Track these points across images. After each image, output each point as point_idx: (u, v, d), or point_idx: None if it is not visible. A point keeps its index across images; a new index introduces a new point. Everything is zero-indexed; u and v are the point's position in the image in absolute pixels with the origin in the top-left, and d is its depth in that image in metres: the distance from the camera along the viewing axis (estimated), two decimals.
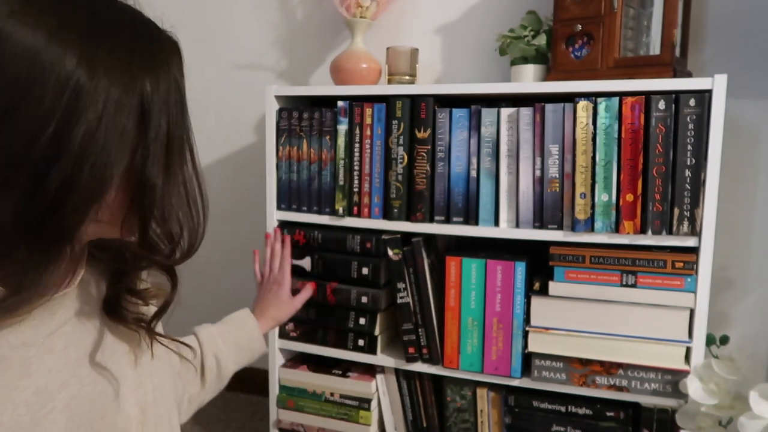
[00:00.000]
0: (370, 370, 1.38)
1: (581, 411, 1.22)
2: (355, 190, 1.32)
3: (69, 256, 0.54)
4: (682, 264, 1.10)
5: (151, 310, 0.71)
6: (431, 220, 1.27)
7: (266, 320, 1.13)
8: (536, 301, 1.20)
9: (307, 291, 1.28)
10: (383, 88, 1.30)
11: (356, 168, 1.31)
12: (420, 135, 1.25)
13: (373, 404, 1.36)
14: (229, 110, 1.78)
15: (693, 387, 1.07)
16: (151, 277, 0.73)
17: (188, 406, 0.95)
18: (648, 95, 1.09)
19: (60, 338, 0.59)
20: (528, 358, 1.22)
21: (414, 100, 1.25)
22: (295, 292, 1.23)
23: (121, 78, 0.51)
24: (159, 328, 0.77)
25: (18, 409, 0.54)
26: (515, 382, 1.24)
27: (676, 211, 1.10)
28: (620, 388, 1.16)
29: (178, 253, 0.60)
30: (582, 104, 1.13)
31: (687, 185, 1.09)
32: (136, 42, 0.54)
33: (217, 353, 0.99)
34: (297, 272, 1.38)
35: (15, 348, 0.55)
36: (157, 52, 0.56)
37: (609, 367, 1.17)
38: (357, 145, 1.30)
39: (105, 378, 0.63)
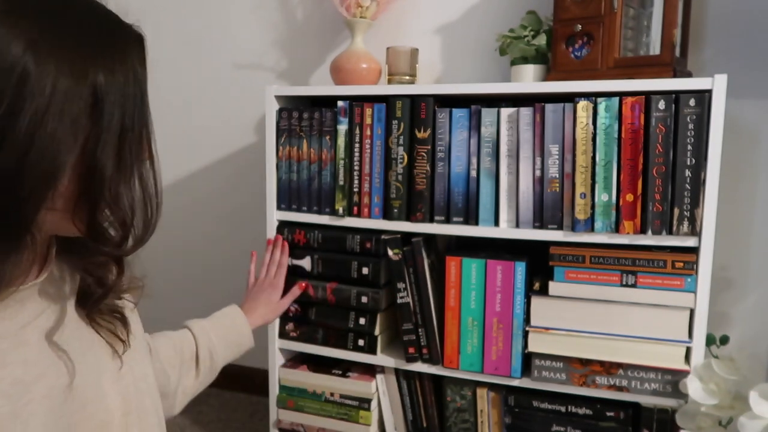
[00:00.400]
0: (370, 370, 1.38)
1: (581, 411, 1.22)
2: (355, 190, 1.32)
3: (31, 246, 0.54)
4: (682, 264, 1.10)
5: (125, 302, 0.72)
6: (431, 220, 1.27)
7: (255, 318, 1.18)
8: (536, 301, 1.20)
9: (294, 292, 1.33)
10: (383, 88, 1.30)
11: (356, 168, 1.31)
12: (420, 135, 1.25)
13: (373, 404, 1.36)
14: (229, 110, 1.78)
15: (693, 387, 1.07)
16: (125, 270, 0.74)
17: (182, 398, 0.97)
18: (648, 95, 1.09)
19: (34, 330, 0.59)
20: (528, 358, 1.22)
21: (414, 100, 1.25)
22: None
23: (71, 67, 0.51)
24: (137, 322, 0.77)
25: None
26: (515, 382, 1.24)
27: (676, 211, 1.10)
28: (620, 388, 1.16)
29: (127, 244, 0.60)
30: (582, 104, 1.13)
31: (687, 185, 1.09)
32: (91, 33, 0.54)
33: (210, 347, 1.02)
34: (297, 272, 1.38)
35: None
36: (114, 43, 0.56)
37: (609, 367, 1.17)
38: (357, 145, 1.30)
39: (84, 369, 0.64)
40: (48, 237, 0.61)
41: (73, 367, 0.62)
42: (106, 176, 0.54)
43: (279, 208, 1.39)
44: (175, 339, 0.98)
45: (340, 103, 1.30)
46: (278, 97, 1.37)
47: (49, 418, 0.58)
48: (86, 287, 0.67)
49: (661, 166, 1.09)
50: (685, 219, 1.09)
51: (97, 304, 0.66)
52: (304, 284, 1.35)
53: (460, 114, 1.23)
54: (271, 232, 1.39)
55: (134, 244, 0.60)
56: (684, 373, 1.11)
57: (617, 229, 1.13)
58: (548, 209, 1.18)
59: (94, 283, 0.67)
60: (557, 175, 1.16)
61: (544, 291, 1.19)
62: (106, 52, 0.55)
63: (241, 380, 1.82)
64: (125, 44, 0.57)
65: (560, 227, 1.17)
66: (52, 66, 0.50)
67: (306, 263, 1.37)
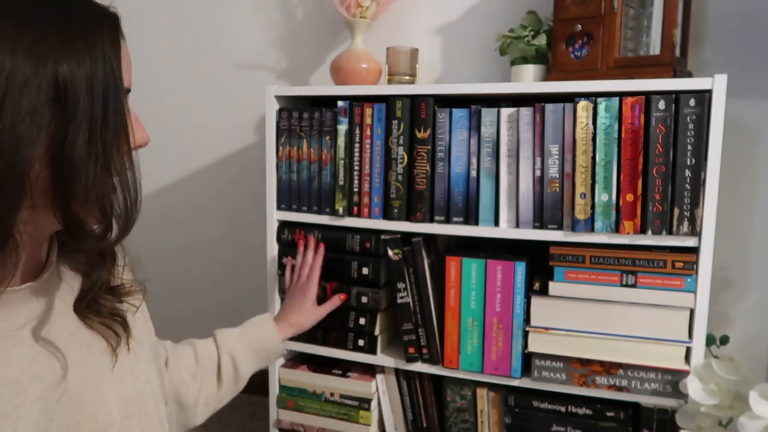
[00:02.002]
0: (370, 370, 1.38)
1: (581, 411, 1.22)
2: (355, 190, 1.32)
3: (15, 247, 0.52)
4: (682, 264, 1.10)
5: (127, 306, 0.71)
6: (431, 220, 1.27)
7: (288, 326, 1.12)
8: (536, 301, 1.20)
9: (334, 301, 1.25)
10: (383, 88, 1.30)
11: (356, 168, 1.31)
12: (420, 135, 1.25)
13: (373, 404, 1.36)
14: (229, 110, 1.78)
15: (693, 387, 1.07)
16: (126, 274, 0.73)
17: (204, 408, 0.94)
18: (648, 95, 1.09)
19: (31, 331, 0.59)
20: (528, 358, 1.22)
21: (414, 100, 1.25)
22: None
23: (29, 56, 0.49)
24: (142, 326, 0.76)
25: None
26: (515, 382, 1.24)
27: (676, 211, 1.10)
28: (620, 388, 1.16)
29: (109, 237, 0.58)
30: (582, 104, 1.13)
31: (687, 185, 1.09)
32: (51, 18, 0.52)
33: (233, 355, 0.99)
34: None
35: None
36: (78, 28, 0.53)
37: (609, 367, 1.17)
38: (357, 145, 1.30)
39: (83, 371, 0.63)
40: (44, 237, 0.60)
41: (71, 368, 0.62)
42: (75, 168, 0.52)
43: (279, 208, 1.39)
44: (198, 348, 0.96)
45: (340, 103, 1.30)
46: (278, 97, 1.37)
47: (41, 419, 0.57)
48: (87, 290, 0.66)
49: (661, 166, 1.09)
50: (685, 219, 1.09)
51: (84, 299, 0.63)
52: (345, 296, 1.29)
53: (460, 114, 1.23)
54: (272, 232, 1.39)
55: (116, 237, 0.58)
56: (684, 373, 1.11)
57: (617, 229, 1.13)
58: (548, 209, 1.17)
59: (96, 286, 0.66)
60: (557, 175, 1.16)
61: (544, 291, 1.19)
62: (69, 37, 0.52)
63: None
64: (92, 28, 0.54)
65: (560, 227, 1.17)
66: (8, 57, 0.49)
67: None
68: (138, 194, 0.58)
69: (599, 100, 1.12)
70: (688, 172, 1.09)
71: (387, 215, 1.30)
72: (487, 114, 1.21)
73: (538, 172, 1.18)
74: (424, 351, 1.29)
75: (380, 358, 1.34)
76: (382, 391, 1.37)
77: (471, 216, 1.24)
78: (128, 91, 0.59)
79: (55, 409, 0.59)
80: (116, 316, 0.68)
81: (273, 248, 1.39)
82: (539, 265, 1.23)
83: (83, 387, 0.63)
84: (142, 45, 1.78)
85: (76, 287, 0.66)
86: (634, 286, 1.14)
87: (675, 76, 1.11)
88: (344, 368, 1.40)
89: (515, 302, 1.21)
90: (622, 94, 1.11)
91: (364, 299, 1.32)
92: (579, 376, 1.19)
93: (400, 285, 1.28)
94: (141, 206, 0.59)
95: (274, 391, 1.44)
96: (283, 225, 1.39)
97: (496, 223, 1.22)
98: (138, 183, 0.58)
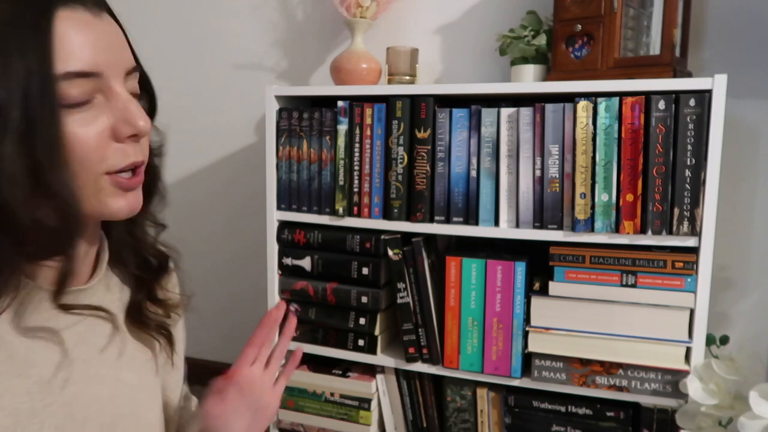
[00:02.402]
0: (370, 370, 1.38)
1: (581, 411, 1.22)
2: (355, 190, 1.32)
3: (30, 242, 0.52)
4: (682, 264, 1.10)
5: (174, 320, 0.71)
6: (431, 220, 1.27)
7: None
8: (536, 301, 1.20)
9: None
10: (383, 88, 1.30)
11: (356, 168, 1.31)
12: (420, 135, 1.25)
13: (373, 404, 1.36)
14: (229, 110, 1.78)
15: (693, 387, 1.07)
16: (178, 288, 0.73)
17: None
18: (648, 95, 1.09)
19: (72, 335, 0.59)
20: (528, 358, 1.22)
21: (414, 100, 1.25)
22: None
23: None
24: (181, 339, 0.76)
25: (19, 397, 0.54)
26: (515, 382, 1.24)
27: (676, 211, 1.10)
28: (620, 388, 1.16)
29: (58, 236, 0.55)
30: (582, 104, 1.13)
31: (687, 185, 1.09)
32: None
33: None
34: (297, 272, 1.38)
35: (21, 336, 0.55)
36: None
37: (609, 367, 1.17)
38: (357, 145, 1.30)
39: (118, 382, 0.63)
40: (90, 241, 0.60)
41: (106, 377, 0.61)
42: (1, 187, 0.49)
43: (279, 208, 1.39)
44: None
45: (340, 103, 1.30)
46: (278, 97, 1.37)
47: (66, 422, 0.57)
48: (136, 301, 0.66)
49: (661, 166, 1.09)
50: (685, 219, 1.09)
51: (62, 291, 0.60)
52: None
53: (460, 114, 1.23)
54: (272, 232, 1.39)
55: (66, 235, 0.55)
56: (684, 373, 1.11)
57: (617, 229, 1.13)
58: (548, 209, 1.17)
59: (145, 298, 0.66)
60: (557, 175, 1.16)
61: (544, 291, 1.19)
62: None
63: None
64: (6, 41, 0.49)
65: (560, 227, 1.17)
66: None
67: (306, 263, 1.37)
68: (76, 206, 0.54)
69: (599, 100, 1.12)
70: (688, 172, 1.09)
71: (387, 215, 1.29)
72: (487, 114, 1.21)
73: (538, 172, 1.18)
74: (424, 351, 1.29)
75: (380, 358, 1.34)
76: (382, 391, 1.37)
77: (471, 216, 1.24)
78: (92, 74, 0.55)
79: (84, 414, 0.59)
80: (162, 329, 0.68)
81: (273, 248, 1.39)
82: (539, 265, 1.23)
83: (118, 397, 0.62)
84: (141, 45, 1.78)
85: (124, 299, 0.65)
86: (634, 286, 1.14)
87: (675, 76, 1.11)
88: (344, 368, 1.40)
89: (515, 302, 1.21)
90: (622, 94, 1.11)
91: (364, 299, 1.32)
92: (579, 376, 1.19)
93: (400, 285, 1.28)
94: (81, 213, 0.55)
95: None
96: (283, 225, 1.39)
97: (496, 223, 1.22)
98: (64, 178, 0.52)
